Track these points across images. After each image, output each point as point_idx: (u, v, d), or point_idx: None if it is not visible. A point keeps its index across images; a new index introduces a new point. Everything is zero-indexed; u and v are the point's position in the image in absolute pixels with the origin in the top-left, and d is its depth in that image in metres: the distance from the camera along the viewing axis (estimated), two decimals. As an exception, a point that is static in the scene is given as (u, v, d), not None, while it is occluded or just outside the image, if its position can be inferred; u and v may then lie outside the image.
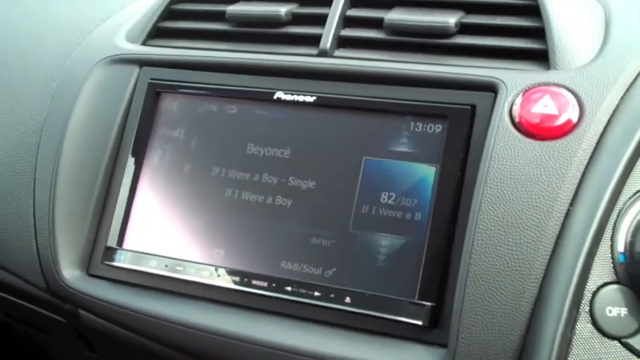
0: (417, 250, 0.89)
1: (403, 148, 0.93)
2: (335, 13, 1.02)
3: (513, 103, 0.88)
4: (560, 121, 0.85)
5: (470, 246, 0.84)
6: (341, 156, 0.95)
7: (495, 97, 0.90)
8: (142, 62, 1.10)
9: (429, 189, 0.90)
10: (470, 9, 0.98)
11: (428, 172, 0.91)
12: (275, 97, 1.00)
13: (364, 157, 0.94)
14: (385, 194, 0.92)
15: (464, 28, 0.97)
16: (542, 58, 0.91)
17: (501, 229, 0.83)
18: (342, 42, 1.02)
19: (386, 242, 0.91)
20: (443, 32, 0.96)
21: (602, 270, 0.80)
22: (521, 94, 0.88)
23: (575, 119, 0.85)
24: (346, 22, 1.03)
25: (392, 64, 0.97)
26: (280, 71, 1.02)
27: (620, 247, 0.80)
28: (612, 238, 0.80)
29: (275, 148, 0.99)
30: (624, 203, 0.81)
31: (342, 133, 0.96)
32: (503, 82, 0.90)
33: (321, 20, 1.03)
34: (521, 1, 0.96)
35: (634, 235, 0.79)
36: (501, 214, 0.83)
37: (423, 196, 0.90)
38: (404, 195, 0.91)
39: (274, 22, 1.06)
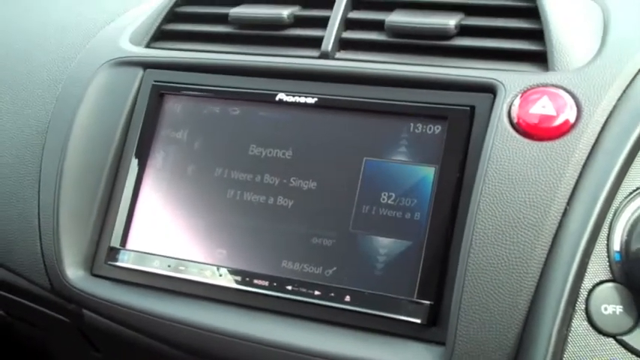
0: (416, 249, 0.90)
1: (403, 149, 0.93)
2: (336, 15, 1.03)
3: (512, 104, 0.88)
4: (558, 122, 0.85)
5: (468, 245, 0.84)
6: (342, 157, 0.96)
7: (494, 99, 0.90)
8: (146, 64, 1.11)
9: (428, 189, 0.91)
10: (470, 11, 0.99)
11: (427, 172, 0.91)
12: (277, 98, 1.01)
13: (365, 158, 0.95)
14: (385, 194, 0.93)
15: (463, 30, 0.97)
16: (540, 59, 0.92)
17: (499, 228, 0.83)
18: (343, 44, 1.03)
19: (385, 242, 0.91)
20: (443, 34, 0.97)
21: (598, 268, 0.80)
22: (520, 95, 0.88)
23: (572, 120, 0.86)
24: (347, 24, 1.04)
25: (392, 65, 0.98)
26: (282, 73, 1.03)
27: (616, 245, 0.80)
28: (608, 237, 0.81)
29: (277, 149, 0.99)
30: (620, 202, 0.82)
31: (343, 134, 0.97)
32: (502, 83, 0.90)
33: (322, 22, 1.03)
34: (521, 4, 0.97)
35: (630, 233, 0.80)
36: (499, 214, 0.84)
37: (422, 196, 0.91)
38: (404, 195, 0.92)
39: (276, 24, 1.06)
